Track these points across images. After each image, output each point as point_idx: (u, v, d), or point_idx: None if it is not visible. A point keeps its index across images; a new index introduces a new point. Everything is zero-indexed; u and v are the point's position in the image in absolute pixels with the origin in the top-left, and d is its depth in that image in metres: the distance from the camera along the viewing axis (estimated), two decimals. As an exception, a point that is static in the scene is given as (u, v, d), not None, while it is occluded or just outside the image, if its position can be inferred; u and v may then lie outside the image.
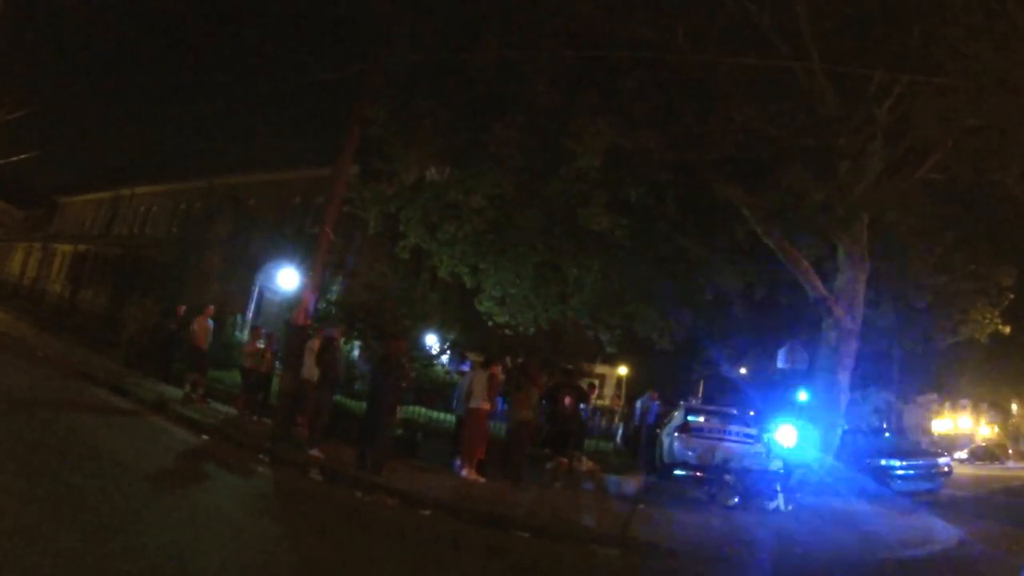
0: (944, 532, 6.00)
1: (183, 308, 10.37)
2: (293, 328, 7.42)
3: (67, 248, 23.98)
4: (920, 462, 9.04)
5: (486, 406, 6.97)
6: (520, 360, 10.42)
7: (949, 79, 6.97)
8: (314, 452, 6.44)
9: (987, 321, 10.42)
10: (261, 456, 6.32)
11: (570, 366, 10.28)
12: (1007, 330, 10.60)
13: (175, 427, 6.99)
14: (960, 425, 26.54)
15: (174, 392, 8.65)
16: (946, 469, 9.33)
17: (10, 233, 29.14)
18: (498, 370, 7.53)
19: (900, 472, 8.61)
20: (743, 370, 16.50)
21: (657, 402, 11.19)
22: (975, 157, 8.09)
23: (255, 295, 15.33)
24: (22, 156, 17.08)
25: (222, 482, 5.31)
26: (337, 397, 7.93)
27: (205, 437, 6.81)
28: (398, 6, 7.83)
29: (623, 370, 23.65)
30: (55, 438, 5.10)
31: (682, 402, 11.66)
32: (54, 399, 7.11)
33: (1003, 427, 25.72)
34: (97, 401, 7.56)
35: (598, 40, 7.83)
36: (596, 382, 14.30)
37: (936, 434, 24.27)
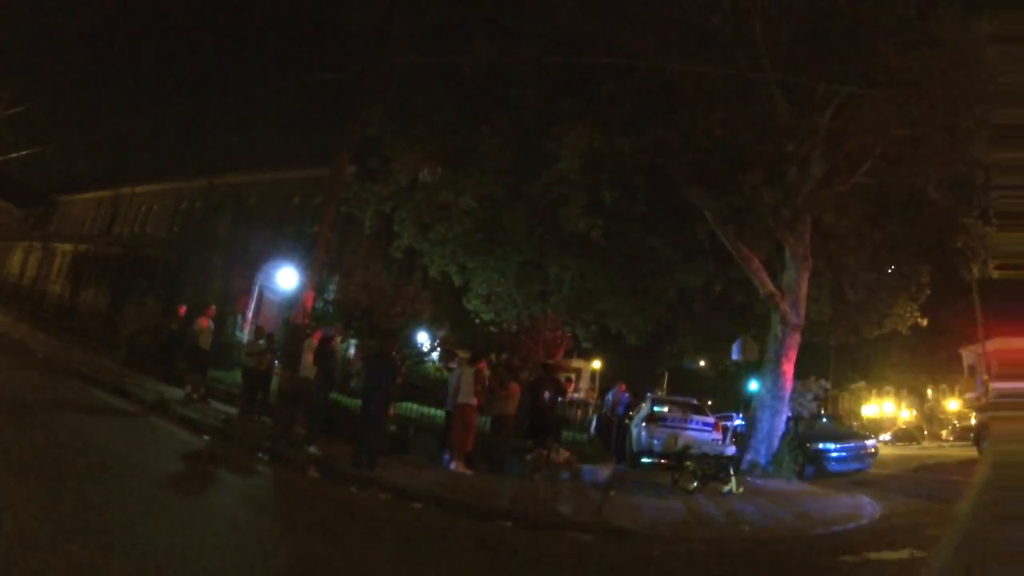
0: (869, 508, 6.24)
1: (184, 309, 9.93)
2: (292, 327, 7.18)
3: (67, 247, 22.59)
4: (851, 444, 9.30)
5: (473, 401, 6.88)
6: (504, 356, 10.37)
7: (880, 91, 7.16)
8: (312, 449, 6.27)
9: (908, 315, 10.80)
10: (260, 455, 6.11)
11: (550, 361, 10.30)
12: (924, 322, 11.07)
13: (176, 428, 6.69)
14: (885, 410, 27.96)
15: (175, 393, 8.26)
16: (872, 450, 9.63)
17: (9, 232, 27.25)
18: (484, 366, 7.46)
19: (835, 454, 8.86)
20: (702, 363, 16.91)
21: (626, 394, 11.34)
22: (900, 164, 8.34)
23: (255, 295, 14.79)
24: (22, 153, 15.99)
25: (222, 482, 5.11)
26: (333, 395, 7.73)
27: (206, 437, 6.54)
28: (398, 6, 7.54)
29: (597, 364, 23.81)
30: (55, 440, 4.79)
31: (649, 394, 11.86)
32: (54, 401, 6.70)
33: (920, 410, 27.13)
34: (98, 402, 7.16)
35: (579, 47, 7.81)
36: (572, 376, 14.43)
37: (865, 418, 25.54)
